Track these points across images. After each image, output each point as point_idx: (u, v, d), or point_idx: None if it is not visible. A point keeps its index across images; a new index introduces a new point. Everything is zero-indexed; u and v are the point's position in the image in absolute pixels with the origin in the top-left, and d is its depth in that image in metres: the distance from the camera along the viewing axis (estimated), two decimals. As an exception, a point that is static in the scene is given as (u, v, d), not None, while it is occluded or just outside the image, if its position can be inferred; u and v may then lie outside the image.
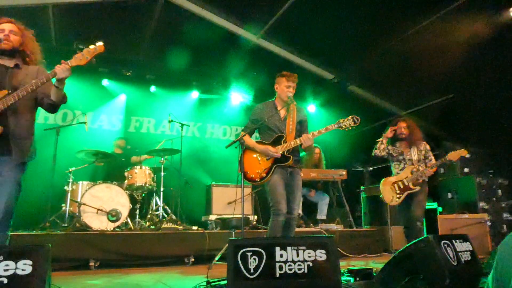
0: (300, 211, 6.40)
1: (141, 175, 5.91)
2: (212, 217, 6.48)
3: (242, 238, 2.79)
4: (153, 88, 8.03)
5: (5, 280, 2.03)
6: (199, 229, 5.69)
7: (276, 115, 3.76)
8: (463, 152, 4.46)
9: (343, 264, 4.58)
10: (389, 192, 4.56)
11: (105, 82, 7.66)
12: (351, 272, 3.34)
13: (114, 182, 5.65)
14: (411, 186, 4.45)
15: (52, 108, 2.86)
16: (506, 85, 5.95)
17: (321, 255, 2.42)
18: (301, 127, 3.82)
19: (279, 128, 3.73)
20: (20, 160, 2.68)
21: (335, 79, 8.00)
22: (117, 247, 4.62)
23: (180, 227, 5.56)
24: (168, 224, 5.66)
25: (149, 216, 6.00)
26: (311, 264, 2.39)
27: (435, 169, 4.53)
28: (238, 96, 8.70)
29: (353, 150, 8.55)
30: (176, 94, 8.22)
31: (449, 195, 6.82)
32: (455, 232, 5.33)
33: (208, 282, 3.11)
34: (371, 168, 8.39)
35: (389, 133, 4.68)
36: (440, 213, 6.52)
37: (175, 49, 6.92)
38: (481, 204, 6.33)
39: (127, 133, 7.79)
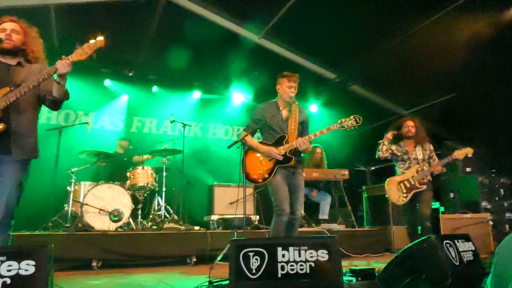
0: (302, 211, 6.40)
1: (143, 175, 5.92)
2: (214, 217, 6.49)
3: (244, 238, 2.78)
4: (155, 88, 8.04)
5: (8, 280, 2.04)
6: (201, 229, 5.69)
7: (278, 115, 3.76)
8: (470, 151, 4.45)
9: (345, 264, 4.56)
10: (395, 191, 4.55)
11: (107, 82, 7.68)
12: (353, 272, 3.34)
13: (116, 182, 5.66)
14: (417, 185, 4.44)
15: (54, 104, 2.86)
16: (508, 84, 5.93)
17: (323, 255, 2.42)
18: (303, 128, 3.82)
19: (281, 128, 3.73)
20: (20, 157, 2.66)
21: (337, 79, 8.00)
22: (119, 247, 4.62)
23: (182, 227, 5.56)
24: (170, 224, 5.66)
25: (151, 216, 6.00)
26: (313, 264, 2.39)
27: (441, 168, 4.51)
28: (240, 96, 8.70)
29: (355, 150, 8.55)
30: (178, 94, 8.23)
31: (451, 195, 6.81)
32: (457, 231, 5.32)
33: (210, 282, 3.11)
34: (373, 168, 8.37)
35: (390, 135, 4.68)
36: (442, 212, 6.51)
37: (177, 49, 6.93)
38: (484, 204, 6.32)
39: (129, 133, 7.79)
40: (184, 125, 6.52)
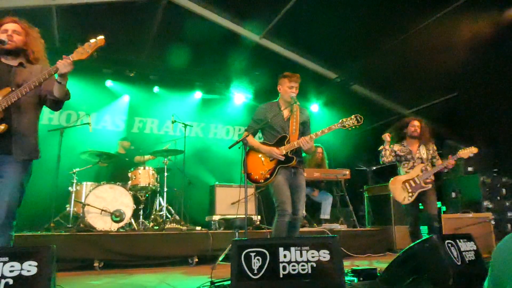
0: (304, 211, 6.39)
1: (144, 176, 5.92)
2: (216, 218, 6.49)
3: (246, 239, 2.79)
4: (156, 89, 8.05)
5: (11, 281, 2.05)
6: (203, 229, 5.70)
7: (280, 115, 3.76)
8: (474, 150, 4.46)
9: (347, 264, 4.57)
10: (400, 191, 4.53)
11: (109, 83, 7.69)
12: (355, 272, 3.34)
13: (118, 182, 5.67)
14: (423, 184, 4.43)
15: (56, 104, 2.86)
16: (509, 83, 5.92)
17: (324, 255, 2.42)
18: (304, 128, 3.83)
19: (283, 128, 3.73)
20: (21, 157, 2.66)
21: (338, 79, 7.99)
22: (121, 247, 4.63)
23: (184, 228, 5.57)
24: (172, 224, 5.67)
25: (152, 216, 6.02)
26: (314, 265, 2.39)
27: (454, 162, 4.49)
28: (241, 96, 8.71)
29: (357, 149, 8.54)
30: (179, 95, 8.23)
31: (453, 194, 6.81)
32: (459, 231, 5.31)
33: (212, 283, 3.11)
34: (374, 168, 8.37)
35: (387, 136, 4.66)
36: (444, 212, 6.51)
37: (178, 50, 6.94)
38: (485, 203, 6.32)
39: (130, 134, 7.80)
40: (186, 125, 6.52)
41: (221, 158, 7.99)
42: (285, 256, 2.39)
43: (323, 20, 6.24)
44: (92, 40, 2.67)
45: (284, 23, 6.45)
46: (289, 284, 2.34)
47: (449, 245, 2.73)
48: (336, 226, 6.24)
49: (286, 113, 3.79)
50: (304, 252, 2.41)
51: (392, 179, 4.66)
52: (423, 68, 6.60)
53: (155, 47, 7.11)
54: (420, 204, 4.57)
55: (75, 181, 5.66)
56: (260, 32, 6.89)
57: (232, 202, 6.57)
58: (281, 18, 6.32)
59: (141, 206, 5.94)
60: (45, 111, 2.93)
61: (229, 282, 2.46)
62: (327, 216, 6.86)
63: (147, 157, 6.76)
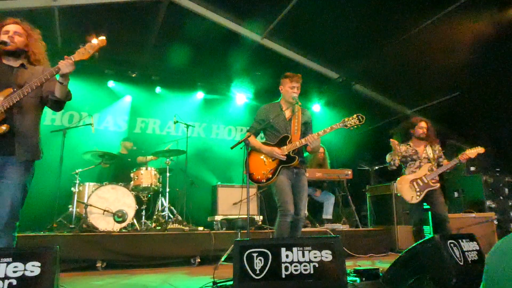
0: (306, 211, 6.39)
1: (147, 176, 5.93)
2: (218, 218, 6.50)
3: (248, 239, 2.79)
4: (158, 89, 8.06)
5: (14, 282, 2.06)
6: (205, 229, 5.70)
7: (281, 115, 3.76)
8: (481, 150, 4.45)
9: (349, 264, 4.57)
10: (408, 190, 4.52)
11: (111, 83, 7.71)
12: (357, 272, 3.34)
13: (120, 183, 5.68)
14: (431, 183, 4.43)
15: (57, 105, 2.86)
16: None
17: (327, 255, 2.42)
18: (306, 129, 3.83)
19: (285, 128, 3.74)
20: (24, 157, 2.67)
21: (340, 78, 7.98)
22: (124, 248, 4.64)
23: (186, 228, 5.57)
24: (174, 224, 5.67)
25: (155, 217, 6.02)
26: (317, 265, 2.39)
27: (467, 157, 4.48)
28: (243, 97, 8.71)
29: (359, 149, 8.53)
30: (181, 95, 8.25)
31: (456, 194, 6.79)
32: (462, 231, 5.30)
33: (214, 283, 3.12)
34: (376, 168, 8.36)
35: (396, 147, 4.64)
36: (447, 212, 6.47)
37: (180, 50, 6.94)
38: (488, 203, 6.30)
39: (132, 134, 7.83)
40: (188, 126, 6.53)
41: (223, 158, 8.01)
42: (287, 256, 2.40)
43: (325, 20, 6.24)
44: (94, 41, 2.68)
45: (286, 23, 6.45)
46: (291, 284, 2.34)
47: (452, 245, 2.73)
48: (338, 226, 6.23)
49: (288, 113, 3.79)
50: (306, 253, 2.41)
51: (399, 178, 4.65)
52: (425, 67, 6.59)
53: (157, 47, 7.13)
54: (424, 203, 4.56)
55: (77, 181, 5.68)
56: (261, 32, 6.89)
57: (234, 203, 6.58)
58: (283, 18, 6.32)
59: (144, 207, 5.95)
60: (48, 112, 2.95)
61: (231, 283, 2.46)
62: (329, 216, 6.86)
63: (149, 157, 6.77)
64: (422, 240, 2.85)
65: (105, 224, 5.20)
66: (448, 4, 5.36)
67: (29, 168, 2.74)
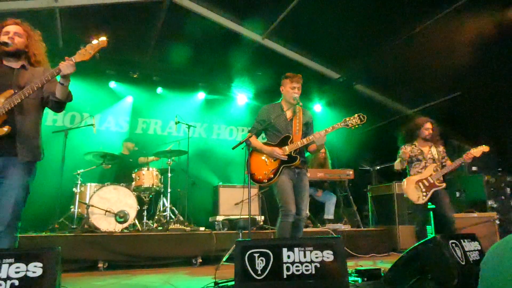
0: (307, 212, 6.39)
1: (148, 177, 5.94)
2: (219, 218, 6.50)
3: (249, 239, 2.79)
4: (159, 90, 8.07)
5: (16, 282, 2.06)
6: (207, 230, 5.70)
7: (283, 115, 3.76)
8: (485, 148, 4.46)
9: (351, 264, 4.57)
10: (414, 191, 4.52)
11: (112, 84, 7.72)
12: (358, 272, 3.33)
13: (122, 183, 5.68)
14: (437, 183, 4.43)
15: (58, 106, 2.86)
16: (513, 82, 5.91)
17: (328, 255, 2.42)
18: (307, 129, 3.83)
19: (286, 128, 3.74)
20: (26, 158, 2.68)
21: (341, 78, 7.98)
22: (125, 248, 4.64)
23: (188, 228, 5.58)
24: (176, 225, 5.68)
25: (156, 217, 6.03)
26: (318, 265, 2.39)
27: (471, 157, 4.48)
28: (244, 97, 8.72)
29: (360, 149, 8.52)
30: (182, 95, 8.25)
31: (457, 194, 6.78)
32: (464, 231, 5.29)
33: (215, 283, 3.12)
34: (378, 167, 8.35)
35: (407, 156, 4.63)
36: (448, 212, 6.46)
37: (181, 51, 6.95)
38: (490, 203, 6.28)
39: (134, 135, 7.83)
40: (189, 126, 6.54)
41: (225, 158, 8.01)
42: (288, 256, 2.40)
43: (326, 19, 6.24)
44: (95, 42, 2.68)
45: (286, 23, 6.45)
46: (293, 284, 2.34)
47: (453, 245, 2.73)
48: (340, 226, 6.23)
49: (289, 114, 3.79)
50: (307, 253, 2.41)
51: (405, 179, 4.65)
52: (426, 67, 6.57)
53: (158, 48, 7.14)
54: (429, 203, 4.56)
55: (79, 182, 5.69)
56: (262, 32, 6.90)
57: (236, 203, 6.58)
58: (283, 18, 6.33)
59: (145, 207, 5.96)
60: (49, 112, 2.96)
61: (233, 283, 2.47)
62: (331, 216, 6.85)
63: (151, 158, 6.78)
64: (423, 240, 2.85)
65: (106, 224, 5.20)
66: (449, 4, 5.35)
67: (31, 169, 2.75)
